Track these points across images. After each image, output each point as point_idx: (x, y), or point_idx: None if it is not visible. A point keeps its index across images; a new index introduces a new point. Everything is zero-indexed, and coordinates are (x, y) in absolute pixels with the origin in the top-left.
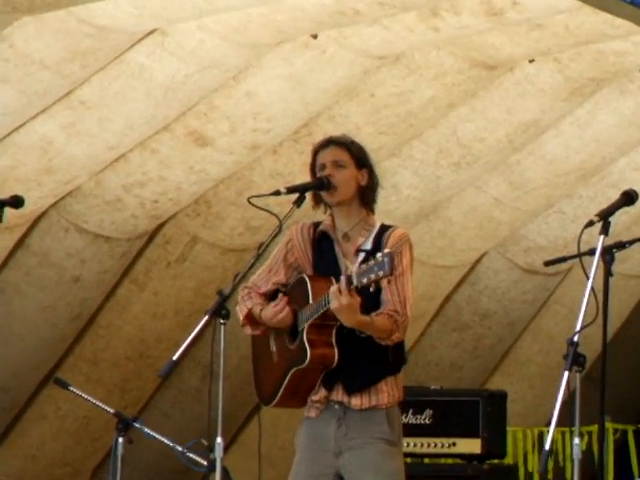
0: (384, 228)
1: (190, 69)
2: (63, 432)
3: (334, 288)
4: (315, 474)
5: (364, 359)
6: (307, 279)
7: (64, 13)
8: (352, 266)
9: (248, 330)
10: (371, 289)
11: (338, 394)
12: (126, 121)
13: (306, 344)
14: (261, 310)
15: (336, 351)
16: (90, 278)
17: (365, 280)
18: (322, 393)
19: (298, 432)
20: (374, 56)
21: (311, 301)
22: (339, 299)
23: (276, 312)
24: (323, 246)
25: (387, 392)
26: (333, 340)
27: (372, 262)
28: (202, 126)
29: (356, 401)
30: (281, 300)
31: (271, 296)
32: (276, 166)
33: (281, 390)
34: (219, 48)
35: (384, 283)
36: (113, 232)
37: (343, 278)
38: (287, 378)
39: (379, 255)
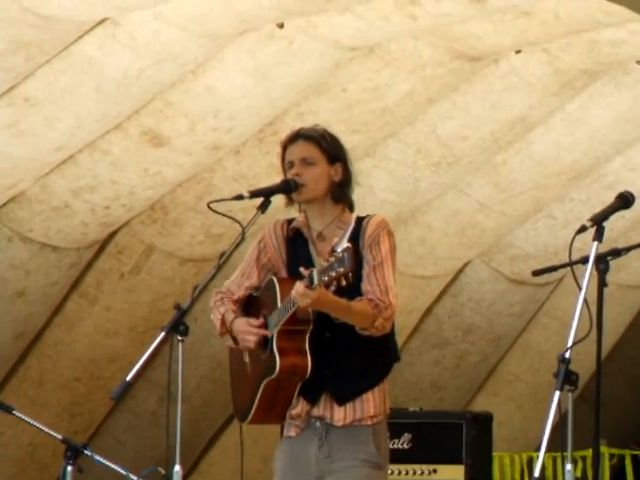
0: (360, 220)
1: (144, 62)
2: (6, 461)
3: (294, 291)
4: None
5: (350, 363)
6: (276, 282)
7: (6, 1)
8: None
9: (228, 341)
10: (332, 288)
11: (320, 407)
12: (74, 119)
13: (275, 353)
14: (234, 318)
15: (309, 359)
16: (36, 292)
17: (326, 278)
18: (303, 407)
19: (276, 454)
20: (346, 47)
21: (279, 305)
22: (304, 300)
23: (248, 331)
24: (297, 245)
25: (373, 402)
26: (306, 347)
27: (332, 259)
28: (158, 125)
29: (339, 415)
30: (259, 321)
31: (245, 302)
32: (239, 168)
33: (255, 404)
34: (176, 39)
35: (363, 274)
36: (61, 241)
37: (304, 278)
38: (260, 391)
39: (338, 250)
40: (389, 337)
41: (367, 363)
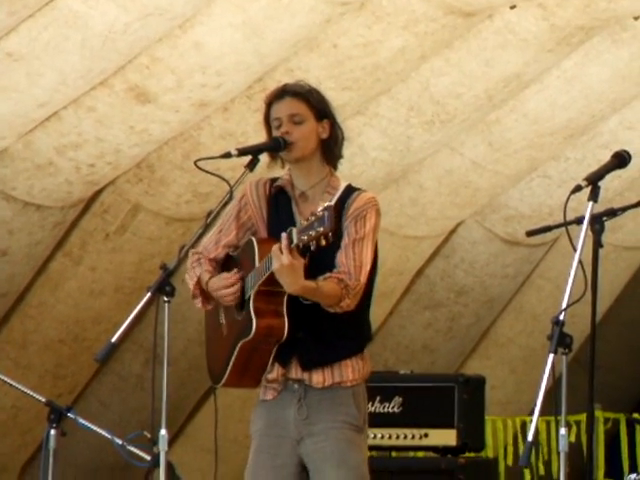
0: (350, 190)
1: (130, 16)
2: None
3: (275, 247)
4: (277, 465)
5: (323, 331)
6: (254, 241)
7: None
8: None
9: (199, 303)
10: (312, 247)
11: (297, 371)
12: (58, 75)
13: (252, 314)
14: (210, 278)
15: (286, 321)
16: (19, 251)
17: (305, 237)
18: (279, 371)
19: (253, 418)
20: (337, 2)
21: (257, 265)
22: (280, 259)
23: (224, 285)
24: (279, 204)
25: (352, 367)
26: (284, 309)
27: (312, 218)
28: (144, 81)
29: (318, 378)
30: (234, 275)
31: (222, 263)
32: (227, 125)
33: (229, 367)
34: None
35: (342, 245)
36: (45, 200)
37: (283, 236)
38: (235, 352)
39: (319, 210)
40: (364, 314)
41: (339, 335)
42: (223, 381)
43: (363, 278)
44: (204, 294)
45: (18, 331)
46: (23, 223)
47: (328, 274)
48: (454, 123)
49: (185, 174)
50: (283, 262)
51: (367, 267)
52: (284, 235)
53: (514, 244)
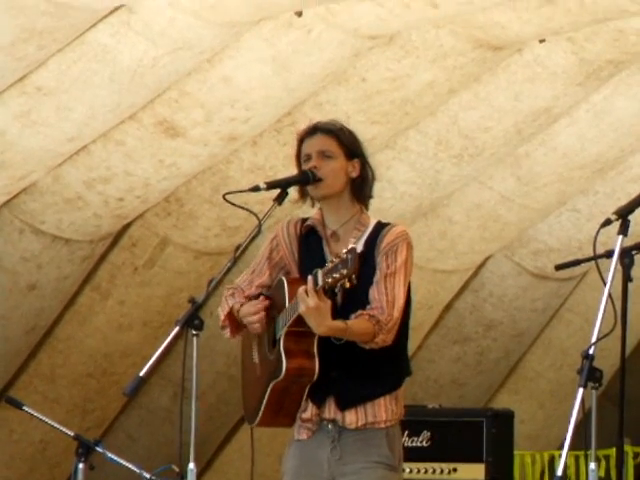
0: (380, 226)
1: (159, 51)
2: (17, 458)
3: (301, 289)
4: None
5: (358, 369)
6: (285, 281)
7: None
8: None
9: (227, 332)
10: (336, 290)
11: (330, 411)
12: (88, 109)
13: (282, 354)
14: (241, 306)
15: (317, 362)
16: (47, 285)
17: (330, 280)
18: (312, 410)
19: (286, 455)
20: (366, 36)
21: (287, 305)
22: (305, 301)
23: (251, 312)
24: (310, 244)
25: (385, 407)
26: (314, 349)
27: (336, 260)
28: (173, 115)
29: (351, 418)
30: (261, 301)
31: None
32: (256, 159)
33: (263, 406)
34: (192, 27)
35: (374, 280)
36: (73, 234)
37: (309, 278)
38: (267, 393)
39: (343, 252)
40: (400, 349)
41: (375, 372)
42: (257, 421)
43: (397, 312)
44: (233, 323)
45: (46, 365)
46: (52, 257)
47: (359, 312)
48: (483, 157)
49: (214, 208)
50: (309, 304)
51: (400, 301)
52: (310, 278)
53: (543, 278)
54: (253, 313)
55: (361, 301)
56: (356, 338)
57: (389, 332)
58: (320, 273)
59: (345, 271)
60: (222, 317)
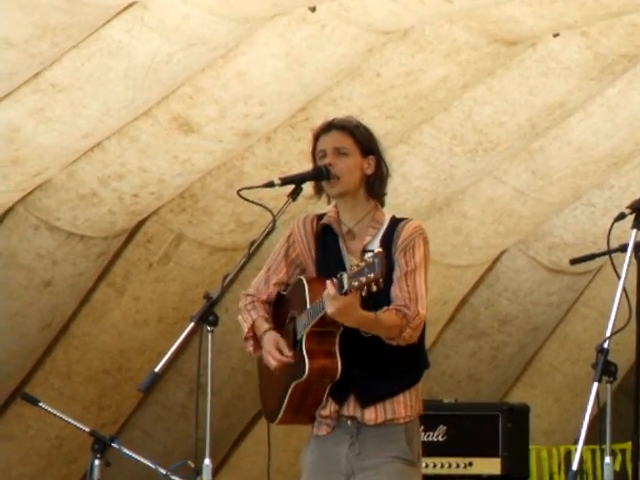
0: (395, 222)
1: (173, 47)
2: (33, 454)
3: (326, 292)
4: None
5: (379, 366)
6: (305, 282)
7: None
8: None
9: (250, 346)
10: (363, 293)
11: (350, 408)
12: (102, 106)
13: (305, 355)
14: (266, 330)
15: (339, 362)
16: (63, 282)
17: (356, 283)
18: (332, 407)
19: (305, 451)
20: (379, 31)
21: (308, 306)
22: (333, 303)
23: (274, 357)
24: (327, 241)
25: (404, 403)
26: (336, 349)
27: (362, 264)
28: (187, 111)
29: (370, 415)
30: (291, 356)
31: (275, 302)
32: (270, 155)
33: (284, 406)
34: (206, 23)
35: (394, 278)
36: (88, 230)
37: (334, 282)
38: (288, 393)
39: (369, 255)
40: (419, 344)
41: (396, 368)
42: (278, 420)
43: (422, 309)
44: (257, 340)
45: (62, 361)
46: (67, 253)
47: (386, 307)
48: (497, 151)
49: (228, 204)
50: (338, 306)
51: (423, 298)
52: (335, 281)
53: (558, 272)
54: (274, 358)
55: (383, 299)
56: (384, 331)
57: (416, 329)
58: (345, 277)
59: (372, 275)
60: (245, 329)
